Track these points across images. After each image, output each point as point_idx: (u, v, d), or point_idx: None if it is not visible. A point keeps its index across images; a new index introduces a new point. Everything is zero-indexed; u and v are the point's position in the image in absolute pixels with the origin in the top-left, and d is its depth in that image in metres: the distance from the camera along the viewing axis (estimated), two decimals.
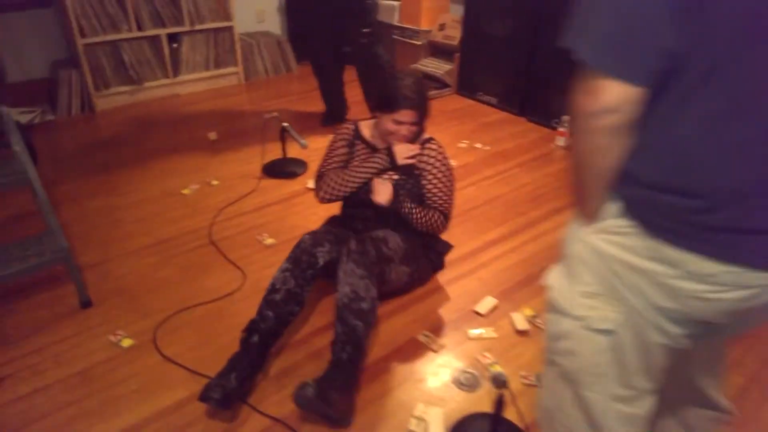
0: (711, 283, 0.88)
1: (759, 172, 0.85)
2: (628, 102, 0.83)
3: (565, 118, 3.37)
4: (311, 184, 2.92)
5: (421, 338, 1.95)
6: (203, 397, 1.57)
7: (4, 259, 1.89)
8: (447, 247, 2.19)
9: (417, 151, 1.96)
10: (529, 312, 2.07)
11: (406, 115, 1.89)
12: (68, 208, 2.69)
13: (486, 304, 2.10)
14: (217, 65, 4.30)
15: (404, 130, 1.93)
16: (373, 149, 2.03)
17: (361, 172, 1.99)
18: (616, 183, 0.93)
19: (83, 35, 3.59)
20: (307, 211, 2.70)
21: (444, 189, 1.98)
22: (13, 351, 1.88)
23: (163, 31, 3.90)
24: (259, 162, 3.11)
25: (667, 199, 0.88)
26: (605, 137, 0.87)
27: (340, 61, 3.48)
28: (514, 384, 1.75)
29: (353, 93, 3.65)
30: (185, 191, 2.86)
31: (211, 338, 1.94)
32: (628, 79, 0.81)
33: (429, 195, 1.97)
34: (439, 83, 4.23)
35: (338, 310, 1.70)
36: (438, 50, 4.33)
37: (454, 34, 4.13)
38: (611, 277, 0.96)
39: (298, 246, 1.86)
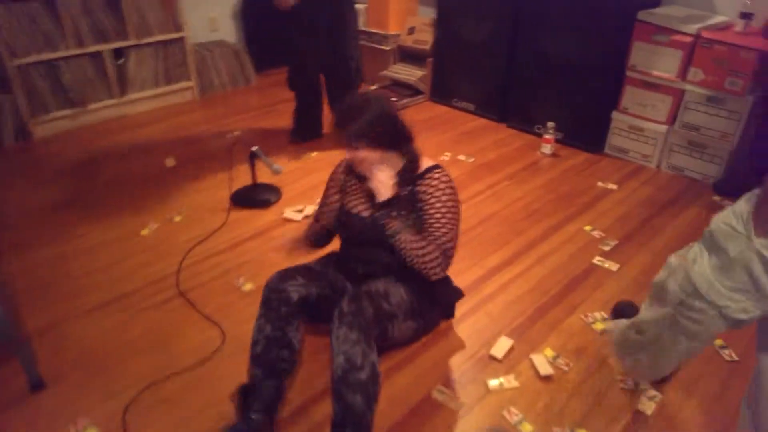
0: None
1: None
2: None
3: (551, 124, 3.20)
4: (288, 213, 2.64)
5: (437, 395, 1.71)
6: None
7: None
8: (458, 294, 1.96)
9: (393, 180, 1.68)
10: (549, 353, 1.87)
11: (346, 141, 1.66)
12: (7, 260, 2.32)
13: (501, 346, 1.89)
14: (169, 81, 3.94)
15: (360, 157, 1.65)
16: (363, 180, 1.78)
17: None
18: None
19: (14, 55, 3.18)
20: (288, 245, 2.42)
21: (444, 222, 1.67)
22: None
23: (105, 47, 3.52)
24: (226, 190, 2.80)
25: None
26: None
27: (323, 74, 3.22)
28: None
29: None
30: (144, 232, 2.53)
31: (191, 417, 1.65)
32: None
33: (427, 228, 1.68)
34: (412, 90, 4.00)
35: (333, 384, 1.45)
36: (408, 55, 4.09)
37: (425, 38, 3.91)
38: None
39: (266, 286, 1.66)
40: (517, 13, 3.35)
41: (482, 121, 3.71)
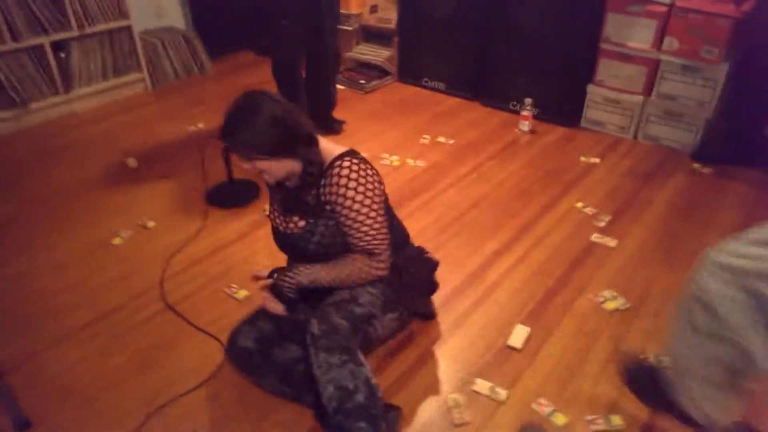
0: None
1: None
2: None
3: (528, 100, 3.14)
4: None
5: (451, 404, 1.64)
6: None
7: None
8: (433, 266, 1.78)
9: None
10: (565, 337, 1.83)
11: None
12: None
13: (519, 335, 1.83)
14: (117, 73, 3.64)
15: (259, 168, 1.45)
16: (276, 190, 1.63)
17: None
18: None
19: None
20: (274, 246, 2.26)
21: (361, 220, 1.47)
22: None
23: (45, 39, 3.20)
24: (199, 190, 2.61)
25: None
26: None
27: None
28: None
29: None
30: (116, 241, 2.32)
31: None
32: None
33: (346, 232, 1.51)
34: (379, 71, 3.86)
35: (330, 420, 1.33)
36: (372, 35, 3.94)
37: (389, 16, 3.76)
38: None
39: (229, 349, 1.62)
40: None
41: (455, 101, 3.63)
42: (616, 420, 1.56)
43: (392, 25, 3.77)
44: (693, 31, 2.73)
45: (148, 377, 1.71)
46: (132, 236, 2.35)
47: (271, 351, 1.60)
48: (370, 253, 1.51)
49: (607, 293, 2.01)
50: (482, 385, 1.66)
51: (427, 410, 1.60)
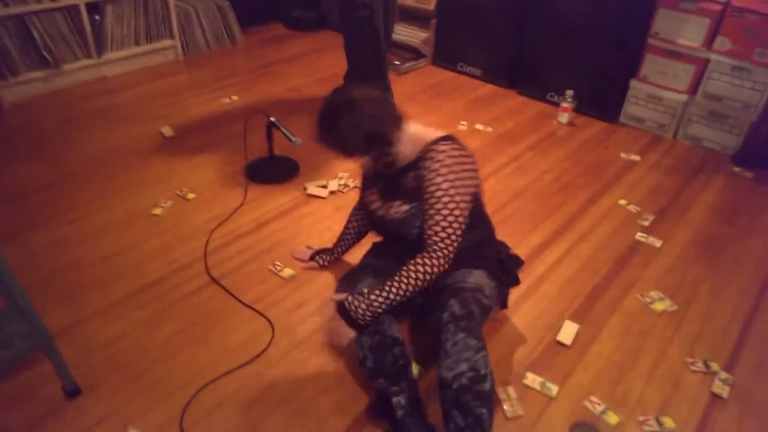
0: None
1: None
2: None
3: (569, 92, 3.10)
4: (312, 189, 2.45)
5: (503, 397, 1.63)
6: None
7: None
8: (520, 263, 1.78)
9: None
10: (614, 336, 1.82)
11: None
12: (1, 250, 2.05)
13: (568, 331, 1.82)
14: (150, 39, 3.58)
15: (355, 161, 1.56)
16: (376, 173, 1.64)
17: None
18: None
19: None
20: (318, 226, 2.25)
21: (438, 208, 1.43)
22: None
23: (80, 0, 3.13)
24: (239, 164, 2.58)
25: None
26: None
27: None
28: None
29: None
30: (156, 211, 2.29)
31: (258, 421, 1.50)
32: None
33: (424, 223, 1.47)
34: (414, 53, 3.80)
35: (454, 394, 1.31)
36: (410, 15, 3.87)
37: None
38: None
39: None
40: None
41: (491, 87, 3.57)
42: (669, 422, 1.55)
43: (431, 7, 3.69)
44: (747, 32, 2.67)
45: (196, 351, 1.70)
46: (172, 207, 2.32)
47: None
48: (433, 248, 1.44)
49: (654, 294, 1.99)
50: (533, 380, 1.65)
51: None
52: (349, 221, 1.93)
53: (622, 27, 3.00)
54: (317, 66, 3.75)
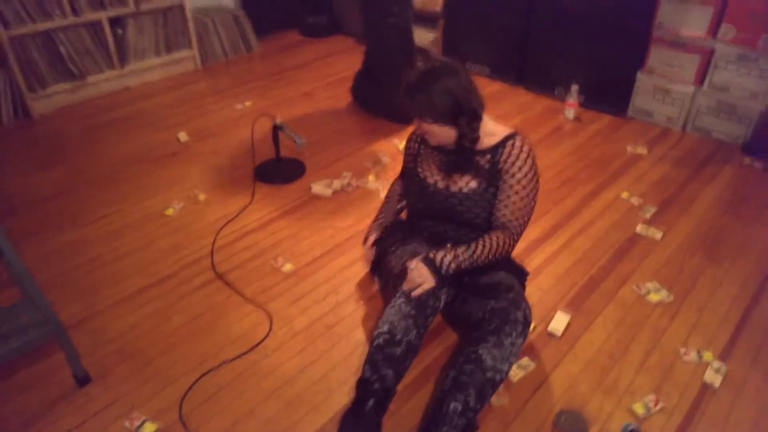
0: None
1: None
2: None
3: (575, 87, 3.11)
4: (317, 188, 2.54)
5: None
6: None
7: None
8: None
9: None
10: (607, 326, 1.84)
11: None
12: (25, 249, 2.20)
13: (559, 322, 1.85)
14: (169, 50, 3.74)
15: (426, 129, 1.58)
16: (438, 150, 1.69)
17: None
18: None
19: (7, 26, 2.97)
20: (320, 224, 2.33)
21: (521, 195, 1.57)
22: None
23: (103, 15, 3.30)
24: (248, 166, 2.69)
25: None
26: None
27: None
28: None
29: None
30: (169, 211, 2.41)
31: (253, 406, 1.59)
32: None
33: (499, 204, 1.60)
34: (424, 54, 3.85)
35: (481, 381, 1.42)
36: (418, 17, 3.91)
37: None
38: None
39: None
40: None
41: (499, 85, 3.60)
42: (645, 407, 1.57)
43: (437, 8, 3.75)
44: (753, 19, 2.64)
45: (199, 342, 1.80)
46: (184, 208, 2.44)
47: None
48: (508, 229, 1.58)
49: (650, 285, 2.00)
50: (521, 369, 1.69)
51: None
52: (393, 194, 1.93)
53: (627, 19, 2.99)
54: (329, 70, 3.85)
